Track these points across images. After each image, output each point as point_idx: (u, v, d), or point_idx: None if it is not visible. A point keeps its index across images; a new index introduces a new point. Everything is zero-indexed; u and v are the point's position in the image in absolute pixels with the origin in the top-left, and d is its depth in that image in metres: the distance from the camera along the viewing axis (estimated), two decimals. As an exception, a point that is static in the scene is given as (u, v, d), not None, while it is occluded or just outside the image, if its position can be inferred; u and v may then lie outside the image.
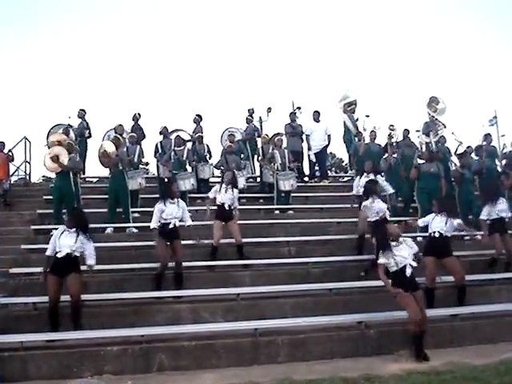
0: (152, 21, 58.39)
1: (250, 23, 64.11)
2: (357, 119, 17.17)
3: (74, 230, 8.71)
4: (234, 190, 11.32)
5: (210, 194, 11.41)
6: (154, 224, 10.03)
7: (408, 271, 7.94)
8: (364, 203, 10.68)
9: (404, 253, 8.02)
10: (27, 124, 44.84)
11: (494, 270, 10.69)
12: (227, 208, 11.08)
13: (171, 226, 10.00)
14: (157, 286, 9.75)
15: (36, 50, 60.05)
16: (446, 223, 9.56)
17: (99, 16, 56.33)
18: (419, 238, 12.28)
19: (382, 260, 8.09)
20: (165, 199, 10.17)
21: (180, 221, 10.20)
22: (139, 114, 16.76)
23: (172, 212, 10.08)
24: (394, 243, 8.08)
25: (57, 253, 8.54)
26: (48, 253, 8.67)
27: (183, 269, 10.07)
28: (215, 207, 11.28)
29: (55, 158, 12.21)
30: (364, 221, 10.90)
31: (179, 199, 10.45)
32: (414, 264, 8.03)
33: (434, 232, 9.60)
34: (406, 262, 7.95)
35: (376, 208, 10.50)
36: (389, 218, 10.54)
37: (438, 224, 9.61)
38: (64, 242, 8.58)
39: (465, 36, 58.73)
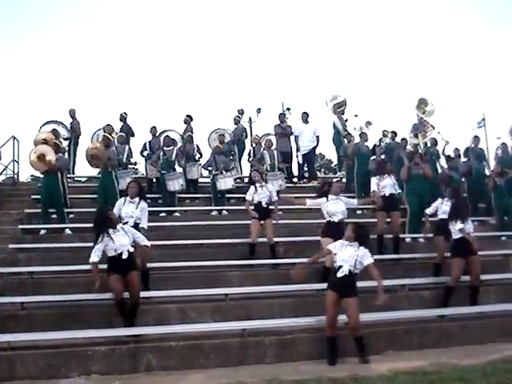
0: (141, 21, 58.32)
1: (240, 24, 64.18)
2: (346, 120, 17.27)
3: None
4: (268, 186, 11.85)
5: (248, 197, 11.67)
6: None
7: (339, 274, 7.91)
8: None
9: (345, 255, 7.97)
10: (15, 123, 44.63)
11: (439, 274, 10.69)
12: (264, 206, 11.45)
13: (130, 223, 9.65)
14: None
15: (24, 49, 59.85)
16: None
17: (88, 16, 56.20)
18: (408, 239, 12.41)
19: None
20: (125, 198, 9.95)
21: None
22: (126, 113, 16.71)
23: (128, 211, 9.78)
24: (345, 242, 8.06)
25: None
26: None
27: (171, 269, 10.09)
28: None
29: (42, 157, 12.18)
30: (383, 218, 11.27)
31: (141, 200, 10.01)
32: (352, 270, 7.87)
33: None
34: (341, 264, 7.92)
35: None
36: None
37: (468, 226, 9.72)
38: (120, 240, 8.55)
39: (454, 38, 59.03)
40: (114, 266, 8.44)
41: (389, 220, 11.65)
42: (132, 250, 8.57)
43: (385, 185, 11.68)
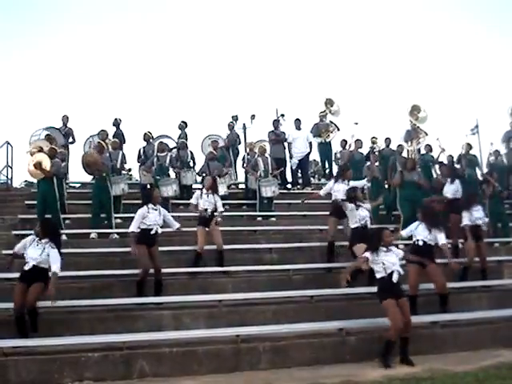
0: (135, 27, 58.29)
1: (234, 30, 64.21)
2: (334, 126, 17.40)
3: (45, 241, 8.62)
4: (215, 195, 11.50)
5: (192, 200, 11.52)
6: (133, 228, 9.95)
7: (395, 277, 8.03)
8: (349, 208, 10.53)
9: (392, 259, 8.11)
10: (9, 128, 44.51)
11: (467, 278, 10.75)
12: (209, 214, 11.20)
13: (153, 232, 9.96)
14: (139, 292, 9.67)
15: (17, 54, 59.75)
16: (430, 231, 9.56)
17: (80, 22, 56.17)
18: (401, 246, 12.45)
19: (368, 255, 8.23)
20: (147, 205, 10.10)
21: (161, 227, 10.18)
22: (120, 119, 16.67)
23: (155, 218, 10.01)
24: (384, 249, 8.15)
25: (24, 264, 8.54)
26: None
27: (165, 275, 10.08)
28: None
29: (38, 165, 12.22)
30: (334, 224, 11.32)
31: (160, 206, 10.35)
32: (401, 271, 8.13)
33: (418, 240, 9.61)
34: (394, 269, 8.04)
35: (359, 215, 10.49)
36: (369, 226, 10.54)
37: (421, 232, 9.61)
38: (31, 253, 8.56)
39: (448, 45, 59.21)
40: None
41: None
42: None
43: (338, 189, 11.64)
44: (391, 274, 8.03)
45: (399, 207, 12.87)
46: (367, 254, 8.24)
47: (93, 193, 13.05)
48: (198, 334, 8.47)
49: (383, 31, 58.75)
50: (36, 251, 8.52)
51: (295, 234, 12.74)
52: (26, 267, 8.50)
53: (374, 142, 16.21)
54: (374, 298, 9.45)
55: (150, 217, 9.99)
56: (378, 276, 8.19)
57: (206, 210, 11.22)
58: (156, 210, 10.11)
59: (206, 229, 11.12)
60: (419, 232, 9.65)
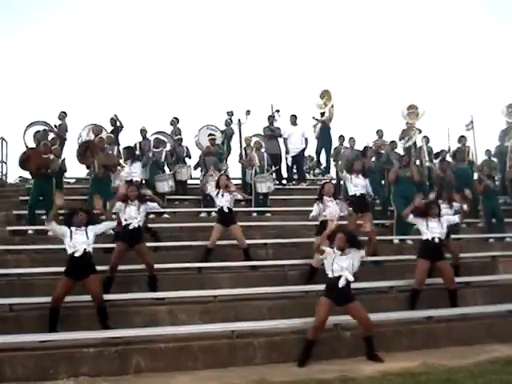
0: (131, 20, 58.11)
1: (229, 25, 64.03)
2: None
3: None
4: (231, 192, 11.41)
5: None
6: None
7: (342, 283, 7.89)
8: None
9: (344, 263, 7.98)
10: (3, 124, 44.31)
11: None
12: (226, 211, 11.13)
13: (131, 227, 9.80)
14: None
15: (11, 48, 59.46)
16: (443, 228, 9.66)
17: (78, 15, 55.95)
18: (396, 241, 12.46)
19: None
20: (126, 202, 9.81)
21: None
22: (116, 116, 16.64)
23: (131, 213, 9.83)
24: (338, 252, 8.07)
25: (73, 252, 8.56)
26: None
27: (161, 270, 10.07)
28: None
29: (38, 170, 12.32)
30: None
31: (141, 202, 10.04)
32: (351, 278, 7.92)
33: (434, 238, 9.57)
34: (342, 274, 7.90)
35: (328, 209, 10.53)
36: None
37: (436, 229, 9.65)
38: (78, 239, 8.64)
39: (443, 41, 59.22)
40: (69, 268, 8.59)
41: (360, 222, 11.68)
42: (90, 249, 8.67)
43: (357, 183, 11.63)
44: (338, 278, 7.94)
45: (393, 202, 12.86)
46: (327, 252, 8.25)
47: (94, 188, 12.79)
48: (193, 330, 8.50)
49: (378, 28, 58.65)
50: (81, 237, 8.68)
51: (290, 229, 12.73)
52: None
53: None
54: (369, 294, 9.51)
55: (127, 212, 9.88)
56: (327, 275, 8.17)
57: (221, 207, 11.12)
58: (134, 205, 9.91)
59: (224, 227, 11.07)
60: (434, 229, 9.65)
